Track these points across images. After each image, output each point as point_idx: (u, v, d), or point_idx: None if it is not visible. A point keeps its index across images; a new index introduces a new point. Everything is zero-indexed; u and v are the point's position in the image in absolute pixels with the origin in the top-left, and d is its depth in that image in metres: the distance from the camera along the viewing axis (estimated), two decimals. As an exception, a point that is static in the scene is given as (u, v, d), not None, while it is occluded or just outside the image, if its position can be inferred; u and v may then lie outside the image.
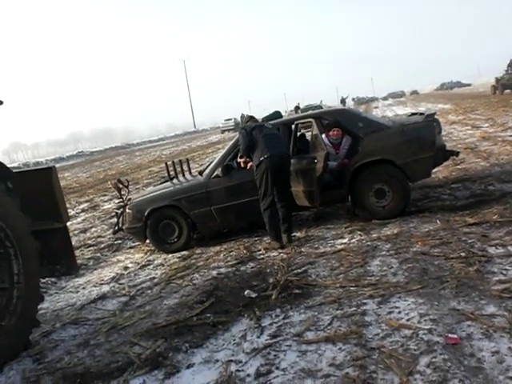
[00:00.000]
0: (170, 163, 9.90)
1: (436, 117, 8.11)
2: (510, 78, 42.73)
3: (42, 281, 6.41)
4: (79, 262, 8.17)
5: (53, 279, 7.54)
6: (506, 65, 44.33)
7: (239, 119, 61.31)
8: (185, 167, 9.86)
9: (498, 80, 43.78)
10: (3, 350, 4.89)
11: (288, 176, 7.37)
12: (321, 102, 60.01)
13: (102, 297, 6.67)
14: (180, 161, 10.03)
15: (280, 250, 7.06)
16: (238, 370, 3.99)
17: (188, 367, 4.24)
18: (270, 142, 7.20)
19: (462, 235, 6.14)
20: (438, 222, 6.83)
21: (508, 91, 41.96)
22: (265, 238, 7.59)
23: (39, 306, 5.64)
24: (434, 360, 3.53)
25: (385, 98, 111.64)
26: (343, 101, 67.60)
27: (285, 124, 8.42)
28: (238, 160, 7.76)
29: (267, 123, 7.71)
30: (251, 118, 7.84)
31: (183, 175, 9.49)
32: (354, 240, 6.88)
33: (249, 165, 7.56)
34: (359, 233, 7.12)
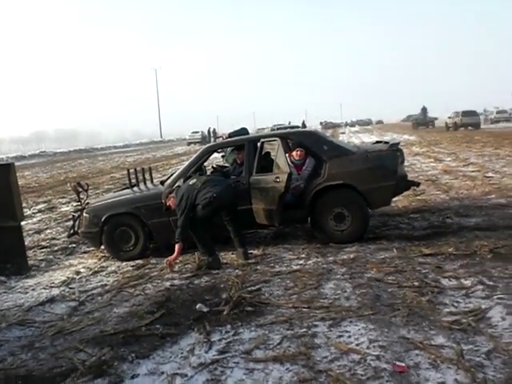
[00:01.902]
0: (132, 170, 9.81)
1: (400, 147, 8.23)
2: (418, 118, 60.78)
3: (-10, 279, 6.27)
4: (31, 262, 8.00)
5: (2, 278, 7.37)
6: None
7: (206, 133, 61.38)
8: (147, 176, 9.78)
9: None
10: None
11: (235, 205, 7.40)
12: (303, 121, 60.86)
13: (51, 300, 6.52)
14: (143, 169, 9.94)
15: (235, 266, 7.03)
16: (182, 384, 3.94)
17: (132, 377, 4.17)
18: (209, 187, 7.18)
19: (417, 265, 6.22)
20: (395, 250, 6.90)
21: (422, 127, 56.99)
22: (222, 253, 7.54)
23: (-15, 305, 5.51)
24: (379, 387, 3.53)
25: (352, 125, 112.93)
26: (303, 124, 68.72)
27: (251, 141, 8.41)
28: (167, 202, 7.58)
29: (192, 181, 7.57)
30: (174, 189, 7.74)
31: (145, 184, 9.40)
32: (310, 262, 6.90)
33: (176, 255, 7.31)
34: (316, 255, 7.15)
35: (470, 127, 46.27)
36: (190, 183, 7.37)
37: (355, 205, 7.58)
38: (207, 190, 7.12)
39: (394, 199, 8.74)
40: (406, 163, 8.76)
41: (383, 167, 7.70)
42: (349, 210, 7.56)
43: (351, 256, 6.89)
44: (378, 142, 9.58)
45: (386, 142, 8.51)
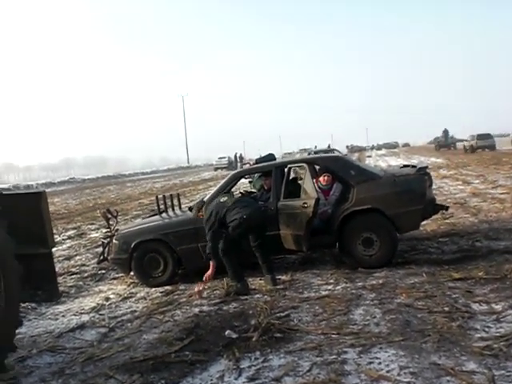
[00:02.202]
0: (160, 196, 9.91)
1: (428, 170, 8.19)
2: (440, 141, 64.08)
3: (22, 305, 6.34)
4: (61, 289, 8.08)
5: (33, 304, 7.46)
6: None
7: (232, 158, 61.61)
8: (175, 202, 9.86)
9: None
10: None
11: (264, 228, 7.43)
12: (328, 145, 61.09)
13: (81, 326, 6.59)
14: (171, 195, 10.03)
15: (264, 292, 7.02)
16: (212, 412, 3.93)
17: (162, 405, 4.18)
18: (239, 208, 7.27)
19: (447, 290, 6.15)
20: (424, 274, 6.84)
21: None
22: (250, 279, 7.54)
23: (17, 331, 5.56)
24: (411, 415, 3.50)
25: (378, 148, 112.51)
26: (329, 147, 69.34)
27: (278, 167, 8.44)
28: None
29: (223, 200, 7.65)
30: (203, 203, 7.98)
31: (173, 210, 9.48)
32: (338, 287, 6.86)
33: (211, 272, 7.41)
34: (344, 280, 7.11)
35: (486, 149, 47.90)
36: (221, 200, 7.45)
37: (383, 229, 7.55)
38: (237, 210, 7.18)
39: (423, 223, 8.68)
40: (433, 186, 8.71)
41: (411, 191, 7.67)
42: (377, 235, 7.53)
43: (380, 281, 6.84)
44: (405, 165, 9.54)
45: (414, 166, 8.48)
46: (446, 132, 62.60)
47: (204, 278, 7.35)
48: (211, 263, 7.29)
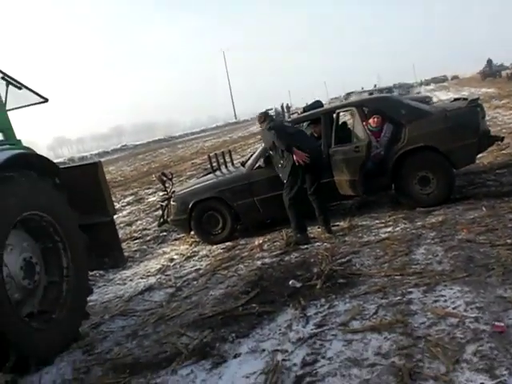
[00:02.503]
0: (212, 155, 9.99)
1: (479, 101, 7.98)
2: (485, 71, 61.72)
3: (91, 274, 6.57)
4: (126, 254, 8.30)
5: (101, 272, 7.71)
6: None
7: (279, 109, 61.03)
8: (227, 159, 9.92)
9: None
10: (54, 342, 5.04)
11: (321, 169, 7.37)
12: (374, 86, 59.74)
13: (149, 288, 6.79)
14: (222, 152, 10.10)
15: (324, 240, 7.07)
16: (284, 360, 4.03)
17: (235, 357, 4.30)
18: (302, 138, 7.28)
19: (508, 222, 6.05)
20: (484, 208, 6.73)
21: None
22: (308, 228, 7.57)
23: (88, 299, 5.79)
24: (480, 348, 3.51)
25: (427, 83, 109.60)
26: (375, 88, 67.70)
27: (326, 113, 8.37)
28: (295, 158, 7.09)
29: (286, 121, 7.62)
30: (266, 116, 7.68)
31: (226, 167, 9.56)
32: (398, 228, 6.84)
33: (301, 157, 7.07)
34: (403, 221, 7.07)
35: None
36: (285, 123, 7.51)
37: (439, 166, 7.43)
38: (300, 139, 7.21)
39: (478, 156, 8.48)
40: (487, 117, 8.48)
41: (464, 125, 7.49)
42: (433, 173, 7.42)
43: (440, 219, 6.77)
44: (456, 99, 9.30)
45: (465, 99, 8.27)
46: (489, 62, 62.36)
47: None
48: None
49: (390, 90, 33.53)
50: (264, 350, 4.28)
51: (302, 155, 6.99)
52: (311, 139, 7.40)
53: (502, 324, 3.75)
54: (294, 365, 3.93)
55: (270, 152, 7.59)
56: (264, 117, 7.62)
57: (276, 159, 7.42)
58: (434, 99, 24.67)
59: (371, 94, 28.92)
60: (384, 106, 8.14)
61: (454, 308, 4.23)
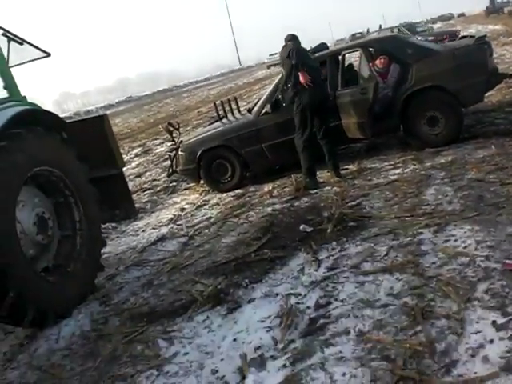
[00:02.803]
0: (218, 103, 9.92)
1: (487, 39, 7.84)
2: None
3: (104, 226, 6.64)
4: (137, 205, 8.35)
5: (113, 224, 7.78)
6: None
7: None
8: (233, 106, 9.86)
9: None
10: (71, 294, 5.14)
11: (328, 111, 7.30)
12: (380, 26, 58.67)
13: (162, 238, 6.86)
14: (228, 100, 10.04)
15: (333, 184, 7.07)
16: (297, 303, 4.10)
17: (249, 302, 4.38)
18: (315, 71, 7.15)
19: (518, 159, 6.02)
20: (493, 147, 6.67)
21: None
22: (317, 173, 7.55)
23: (102, 251, 5.87)
24: (491, 286, 3.55)
25: (433, 22, 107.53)
26: (381, 29, 66.53)
27: (332, 55, 8.26)
28: (300, 76, 6.98)
29: (310, 54, 7.52)
30: (294, 37, 7.43)
31: (232, 114, 9.50)
32: (407, 170, 6.83)
33: (306, 79, 6.96)
34: (413, 162, 7.05)
35: None
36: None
37: (447, 106, 7.34)
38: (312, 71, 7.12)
39: (487, 94, 8.37)
40: (494, 55, 8.34)
41: (472, 63, 7.37)
42: (441, 112, 7.34)
43: (449, 159, 6.74)
44: (463, 36, 9.15)
45: (472, 36, 8.13)
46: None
47: None
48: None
49: (411, 27, 31.47)
50: (277, 294, 4.35)
51: (307, 78, 6.92)
52: (321, 80, 7.26)
53: (513, 261, 3.77)
54: (308, 307, 3.99)
55: (282, 69, 7.43)
56: (291, 36, 7.42)
57: (283, 79, 7.32)
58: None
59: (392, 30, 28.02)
60: (390, 46, 8.03)
61: (464, 247, 4.25)
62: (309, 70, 7.00)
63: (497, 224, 4.50)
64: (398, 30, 27.48)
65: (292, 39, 7.32)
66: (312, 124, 7.16)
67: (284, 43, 7.39)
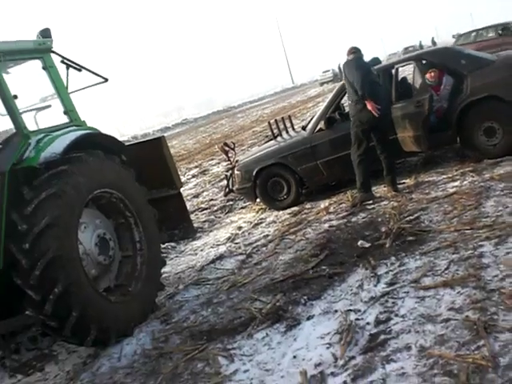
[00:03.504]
0: (272, 121, 10.00)
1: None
2: None
3: (163, 246, 6.76)
4: (195, 225, 8.45)
5: (172, 244, 7.91)
6: None
7: (337, 70, 60.09)
8: (287, 124, 9.91)
9: None
10: (133, 314, 5.25)
11: (387, 126, 7.26)
12: (432, 39, 58.16)
13: (220, 257, 6.92)
14: (282, 118, 10.09)
15: (391, 198, 7.01)
16: (357, 319, 4.08)
17: (308, 319, 4.38)
18: (376, 89, 7.11)
19: None
20: (554, 155, 6.51)
21: None
22: (373, 188, 7.52)
23: (162, 270, 5.96)
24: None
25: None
26: (433, 42, 65.97)
27: (385, 69, 8.22)
28: (368, 106, 6.98)
29: (373, 68, 7.47)
30: (357, 49, 7.37)
31: (287, 132, 9.55)
32: (465, 182, 6.71)
33: (374, 109, 6.94)
34: (471, 174, 6.93)
35: None
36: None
37: (505, 116, 7.19)
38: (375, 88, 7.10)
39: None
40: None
41: None
42: (499, 123, 7.20)
43: (508, 169, 6.59)
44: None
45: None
46: None
47: None
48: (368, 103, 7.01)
49: None
50: (336, 311, 4.34)
51: (375, 108, 6.90)
52: (381, 94, 7.20)
53: None
54: (368, 324, 3.97)
55: (347, 85, 7.34)
56: (354, 49, 7.36)
57: (349, 93, 7.27)
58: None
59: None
60: (443, 58, 7.95)
61: (527, 259, 4.15)
62: (373, 90, 6.98)
63: (561, 234, 4.39)
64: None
65: (355, 52, 7.30)
66: (368, 139, 7.15)
67: (346, 57, 7.38)
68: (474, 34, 23.53)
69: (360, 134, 7.15)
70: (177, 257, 7.61)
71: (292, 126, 10.05)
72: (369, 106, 6.92)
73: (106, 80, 6.22)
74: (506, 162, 6.90)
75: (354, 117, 7.15)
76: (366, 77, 6.97)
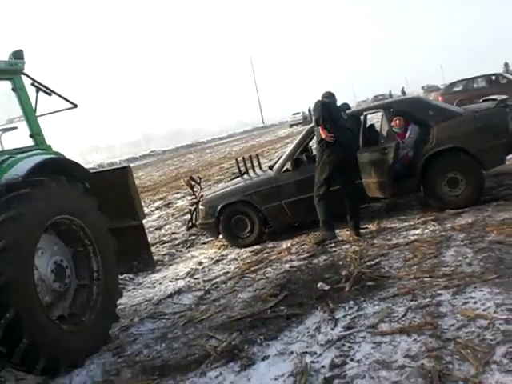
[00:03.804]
0: (240, 159, 10.03)
1: (508, 102, 7.89)
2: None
3: (121, 277, 6.65)
4: (155, 258, 8.36)
5: (130, 275, 7.78)
6: None
7: (307, 112, 60.90)
8: (255, 163, 9.95)
9: None
10: (85, 344, 5.11)
11: (354, 170, 7.35)
12: (402, 88, 59.69)
13: (178, 291, 6.83)
14: (250, 156, 10.13)
15: (352, 243, 7.05)
16: (312, 362, 4.04)
17: (263, 359, 4.32)
18: (340, 129, 7.25)
19: (540, 223, 5.98)
20: (514, 210, 6.65)
21: None
22: (337, 231, 7.57)
23: (118, 302, 5.85)
24: (511, 350, 3.48)
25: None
26: (403, 91, 68.25)
27: (354, 115, 8.35)
28: (320, 132, 7.26)
29: (344, 113, 7.61)
30: (331, 94, 7.67)
31: (253, 171, 9.58)
32: (427, 230, 6.79)
33: (328, 136, 7.18)
34: (432, 223, 7.02)
35: None
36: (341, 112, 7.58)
37: (468, 168, 7.35)
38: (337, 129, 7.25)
39: (509, 157, 8.38)
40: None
41: (493, 126, 7.42)
42: (462, 174, 7.35)
43: (469, 220, 6.71)
44: (484, 100, 9.22)
45: (494, 99, 8.19)
46: (506, 65, 64.62)
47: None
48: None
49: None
50: (292, 353, 4.29)
51: (326, 133, 7.11)
52: (350, 138, 7.34)
53: (534, 326, 3.71)
54: (323, 367, 3.93)
55: (315, 127, 7.51)
56: (329, 94, 7.67)
57: (317, 135, 7.46)
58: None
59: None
60: (411, 108, 8.11)
61: (483, 310, 4.19)
62: (332, 127, 7.11)
63: (517, 287, 4.45)
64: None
65: (328, 96, 7.55)
66: (330, 180, 7.27)
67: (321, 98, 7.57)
68: (464, 82, 24.19)
69: (323, 176, 7.25)
70: (134, 289, 7.48)
71: (259, 164, 10.09)
72: (322, 133, 7.12)
73: (76, 106, 6.17)
74: (468, 213, 7.02)
75: (319, 158, 7.25)
76: (321, 110, 7.17)
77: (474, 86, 23.51)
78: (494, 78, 23.29)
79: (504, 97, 8.17)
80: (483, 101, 9.24)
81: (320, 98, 7.56)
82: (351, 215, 7.36)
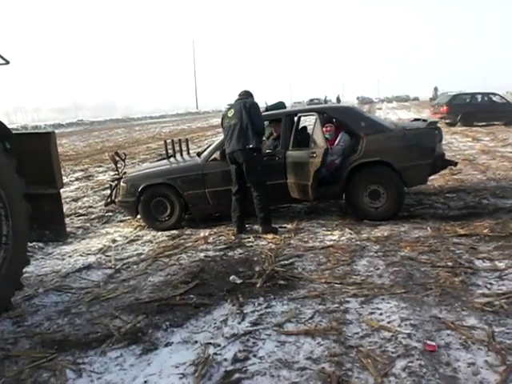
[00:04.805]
0: (169, 141, 9.91)
1: (438, 125, 8.14)
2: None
3: (30, 245, 6.42)
4: (68, 229, 8.12)
5: (40, 244, 7.54)
6: None
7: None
8: (183, 147, 9.85)
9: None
10: (-16, 308, 4.90)
11: (248, 169, 7.43)
12: (337, 96, 60.84)
13: (88, 267, 6.66)
14: (179, 140, 10.02)
15: (269, 240, 7.09)
16: (215, 354, 4.02)
17: (166, 345, 4.26)
18: (227, 135, 7.65)
19: (451, 245, 6.20)
20: (429, 229, 6.87)
21: None
22: (255, 226, 7.61)
23: (24, 270, 5.64)
24: (410, 364, 3.57)
25: (389, 101, 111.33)
26: (338, 99, 70.47)
27: (288, 115, 8.40)
28: None
29: (230, 111, 7.74)
30: (246, 93, 7.98)
31: (181, 155, 9.49)
32: (343, 238, 6.91)
33: None
34: (349, 231, 7.15)
35: None
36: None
37: (391, 182, 7.54)
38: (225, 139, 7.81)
39: (431, 178, 8.67)
40: (443, 141, 8.66)
41: (421, 145, 7.64)
42: (384, 188, 7.54)
43: (385, 233, 6.88)
44: (416, 119, 9.48)
45: (425, 120, 8.42)
46: (435, 89, 68.59)
47: None
48: None
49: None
50: (196, 342, 4.26)
51: None
52: (233, 141, 7.51)
53: (434, 343, 3.82)
54: (225, 360, 3.91)
55: (239, 122, 7.64)
56: (250, 92, 7.99)
57: (240, 131, 7.62)
58: (394, 118, 25.00)
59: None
60: (345, 116, 8.22)
61: (388, 322, 4.29)
62: (225, 134, 7.77)
63: (422, 304, 4.58)
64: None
65: (251, 95, 7.89)
66: (237, 177, 7.58)
67: (245, 98, 7.78)
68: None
69: (233, 173, 7.59)
70: (43, 258, 7.24)
71: (188, 149, 9.99)
72: None
73: (8, 62, 5.90)
74: (384, 226, 7.20)
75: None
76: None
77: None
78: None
79: (435, 119, 8.41)
80: (414, 120, 9.50)
81: (248, 98, 7.82)
82: (257, 212, 7.56)
